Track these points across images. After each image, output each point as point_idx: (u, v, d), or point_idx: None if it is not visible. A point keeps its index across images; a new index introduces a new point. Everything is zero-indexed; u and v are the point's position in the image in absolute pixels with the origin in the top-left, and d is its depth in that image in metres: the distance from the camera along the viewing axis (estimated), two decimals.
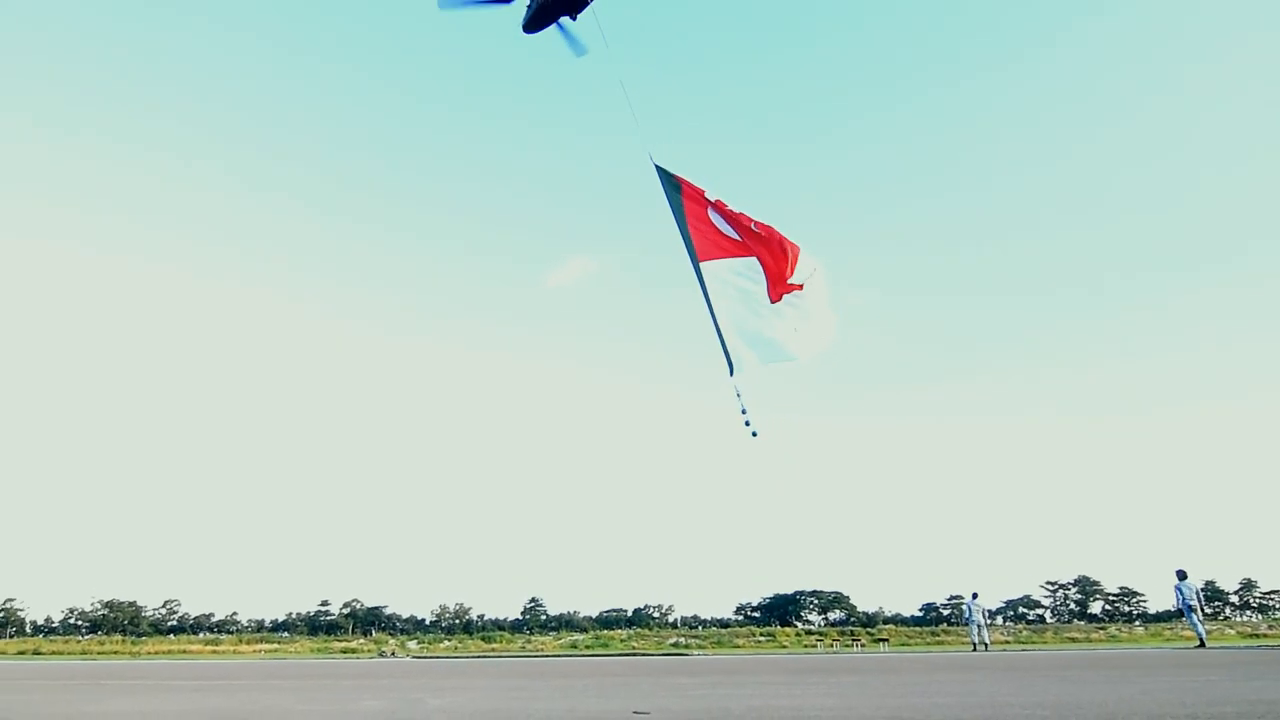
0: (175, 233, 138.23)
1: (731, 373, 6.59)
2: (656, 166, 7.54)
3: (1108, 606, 79.11)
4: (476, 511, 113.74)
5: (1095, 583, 79.66)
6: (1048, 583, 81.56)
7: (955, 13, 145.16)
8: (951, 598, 77.69)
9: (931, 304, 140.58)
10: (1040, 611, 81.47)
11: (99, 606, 78.78)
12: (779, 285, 6.92)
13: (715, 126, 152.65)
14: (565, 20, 11.94)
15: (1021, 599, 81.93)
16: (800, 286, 6.90)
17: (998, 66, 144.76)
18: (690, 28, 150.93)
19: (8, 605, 77.52)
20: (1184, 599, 23.08)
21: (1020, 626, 68.78)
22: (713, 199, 7.31)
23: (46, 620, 78.41)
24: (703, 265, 7.03)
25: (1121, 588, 79.08)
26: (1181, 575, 23.38)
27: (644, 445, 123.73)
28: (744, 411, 6.37)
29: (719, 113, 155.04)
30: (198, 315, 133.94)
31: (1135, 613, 76.96)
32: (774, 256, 6.95)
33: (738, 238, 7.08)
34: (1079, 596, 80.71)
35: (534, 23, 12.50)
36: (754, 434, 6.29)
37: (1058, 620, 76.46)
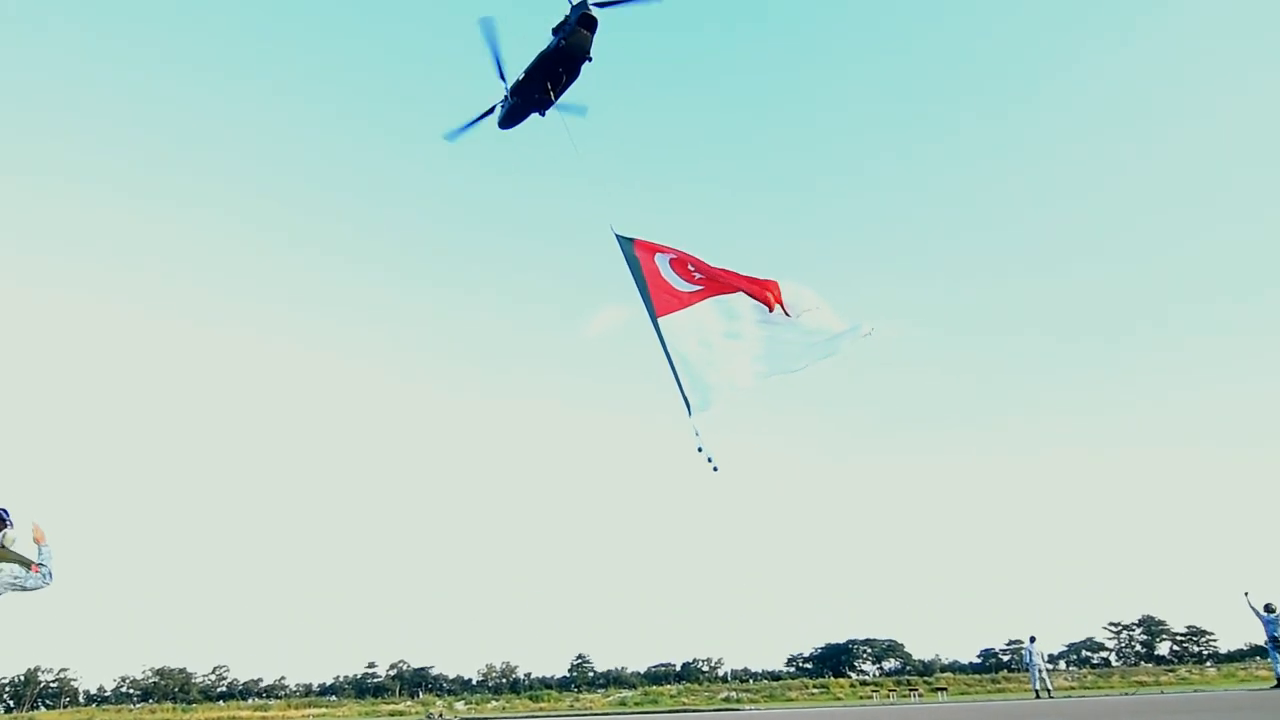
0: (217, 288, 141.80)
1: (690, 413, 7.13)
2: (617, 236, 8.35)
3: (1175, 647, 75.85)
4: (520, 568, 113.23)
5: (1161, 622, 76.48)
6: (1111, 624, 78.59)
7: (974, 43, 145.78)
8: (1010, 642, 75.13)
9: (984, 341, 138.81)
10: (1104, 654, 78.40)
11: (150, 674, 79.22)
12: (770, 300, 7.73)
13: (752, 173, 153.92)
14: (535, 116, 15.00)
15: (1084, 642, 78.97)
16: (780, 302, 7.72)
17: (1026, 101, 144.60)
18: (727, 69, 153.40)
19: (61, 675, 78.23)
20: (1273, 630, 22.59)
21: (1085, 671, 66.22)
22: (671, 253, 8.15)
23: (99, 689, 79.03)
24: (660, 320, 7.69)
25: (1189, 627, 75.78)
26: (1270, 609, 22.71)
27: (687, 493, 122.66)
28: (700, 450, 6.87)
29: (758, 160, 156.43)
30: (247, 374, 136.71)
31: (1205, 653, 73.69)
32: (757, 291, 7.78)
33: (693, 288, 7.90)
34: (1144, 637, 77.55)
35: (508, 120, 15.56)
36: (715, 469, 6.77)
37: (1124, 663, 73.36)
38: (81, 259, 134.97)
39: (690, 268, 8.07)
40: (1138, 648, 77.37)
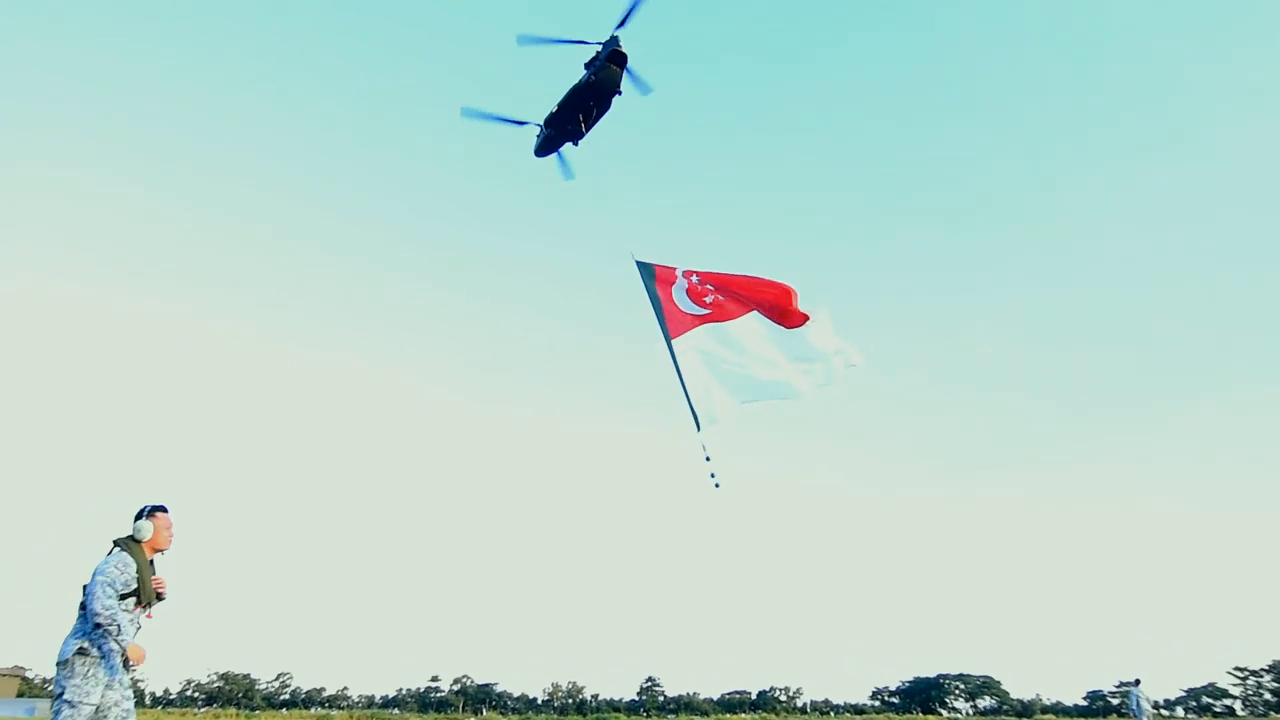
0: (320, 316, 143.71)
1: (698, 429, 7.62)
2: (637, 263, 8.84)
3: None
4: (592, 584, 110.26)
5: None
6: (1236, 669, 71.52)
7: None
8: (1120, 684, 68.81)
9: (1089, 363, 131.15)
10: (1229, 702, 71.35)
11: (215, 678, 78.53)
12: (790, 318, 8.24)
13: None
14: (569, 146, 16.35)
15: (1206, 687, 72.02)
16: (808, 317, 8.16)
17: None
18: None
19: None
20: None
21: (1206, 719, 60.07)
22: (683, 273, 8.70)
23: (164, 692, 78.55)
24: (674, 342, 8.19)
25: None
26: None
27: (768, 516, 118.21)
28: (708, 460, 7.35)
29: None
30: (320, 391, 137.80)
31: None
32: (769, 299, 8.38)
33: (704, 312, 8.46)
34: (1275, 685, 70.24)
35: (543, 149, 16.57)
36: (717, 485, 7.25)
37: (1250, 712, 66.80)
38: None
39: (706, 287, 8.56)
40: (1267, 696, 70.15)
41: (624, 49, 14.37)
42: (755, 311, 8.39)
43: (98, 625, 5.62)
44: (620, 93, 14.86)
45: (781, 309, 8.30)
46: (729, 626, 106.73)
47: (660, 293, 8.65)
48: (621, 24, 14.45)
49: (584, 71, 15.06)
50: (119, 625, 5.63)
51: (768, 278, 8.50)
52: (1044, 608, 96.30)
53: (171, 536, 6.20)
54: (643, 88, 14.99)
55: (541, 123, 16.27)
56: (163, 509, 6.22)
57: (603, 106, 15.20)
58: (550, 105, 16.01)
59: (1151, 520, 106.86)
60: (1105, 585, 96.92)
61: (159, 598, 6.09)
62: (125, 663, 5.81)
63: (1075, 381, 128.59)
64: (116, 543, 5.97)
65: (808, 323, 8.19)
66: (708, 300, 8.53)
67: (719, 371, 8.10)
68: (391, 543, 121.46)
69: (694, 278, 8.65)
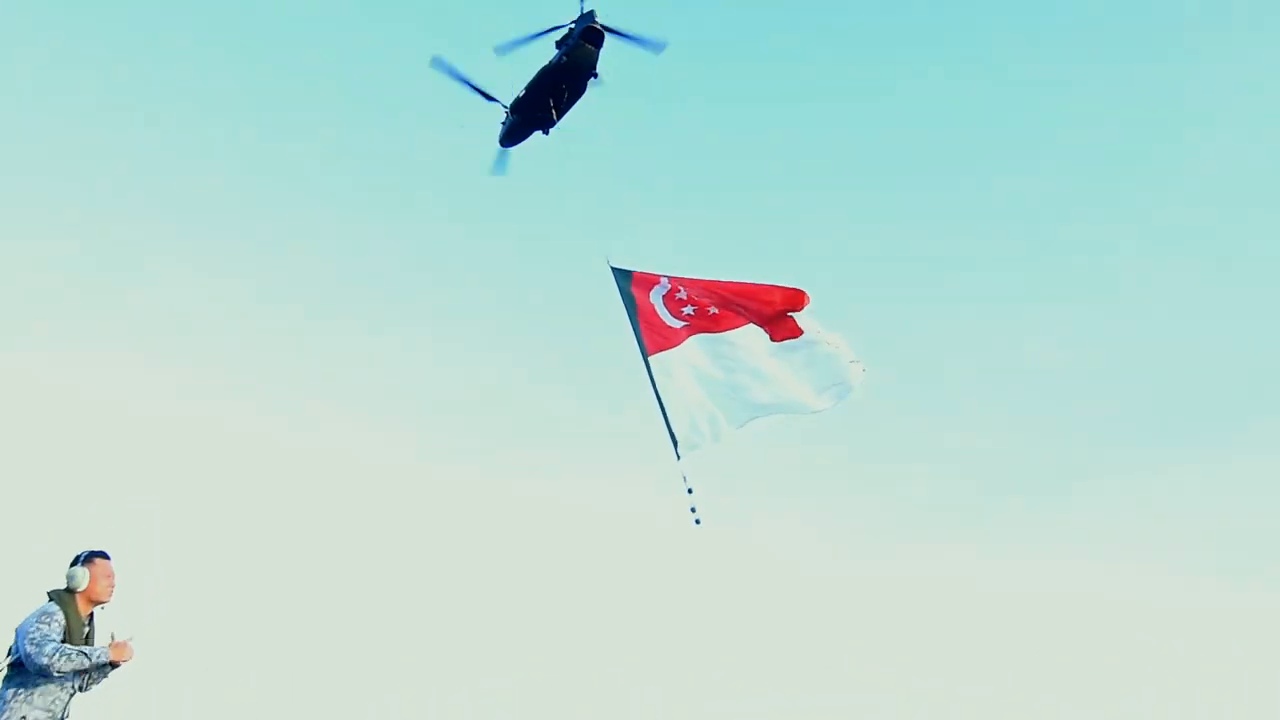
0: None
1: (678, 457, 7.10)
2: (612, 269, 8.22)
3: None
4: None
5: None
6: None
7: None
8: None
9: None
10: None
11: None
12: (792, 324, 7.54)
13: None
14: (539, 135, 14.58)
15: None
16: (801, 332, 7.49)
17: None
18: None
19: None
20: None
21: None
22: (666, 280, 8.07)
23: None
24: (651, 359, 7.60)
25: None
26: None
27: (763, 563, 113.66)
28: (690, 491, 6.80)
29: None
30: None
31: None
32: (769, 306, 7.63)
33: (681, 324, 7.81)
34: None
35: (509, 138, 14.98)
36: (697, 521, 6.70)
37: None
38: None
39: (689, 296, 7.97)
40: None
41: (601, 25, 12.90)
42: (751, 324, 7.71)
43: (50, 673, 4.86)
44: (597, 75, 13.44)
45: (784, 315, 7.66)
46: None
47: (638, 303, 8.05)
48: None
49: (555, 51, 13.54)
50: (75, 650, 4.94)
51: (770, 284, 7.85)
52: None
53: (112, 587, 5.40)
54: (654, 46, 13.23)
55: (507, 107, 14.66)
56: (103, 555, 5.45)
57: (576, 91, 13.72)
58: (519, 87, 14.45)
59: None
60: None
61: (112, 665, 5.22)
62: (110, 668, 5.19)
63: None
64: (51, 594, 5.20)
65: (813, 329, 7.59)
66: (687, 311, 7.90)
67: (705, 391, 7.54)
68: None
69: (680, 291, 8.02)
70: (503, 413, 38.06)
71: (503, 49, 14.34)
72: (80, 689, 5.13)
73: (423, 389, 39.80)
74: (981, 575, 28.07)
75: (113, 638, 5.16)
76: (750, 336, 7.66)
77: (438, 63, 14.78)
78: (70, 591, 5.21)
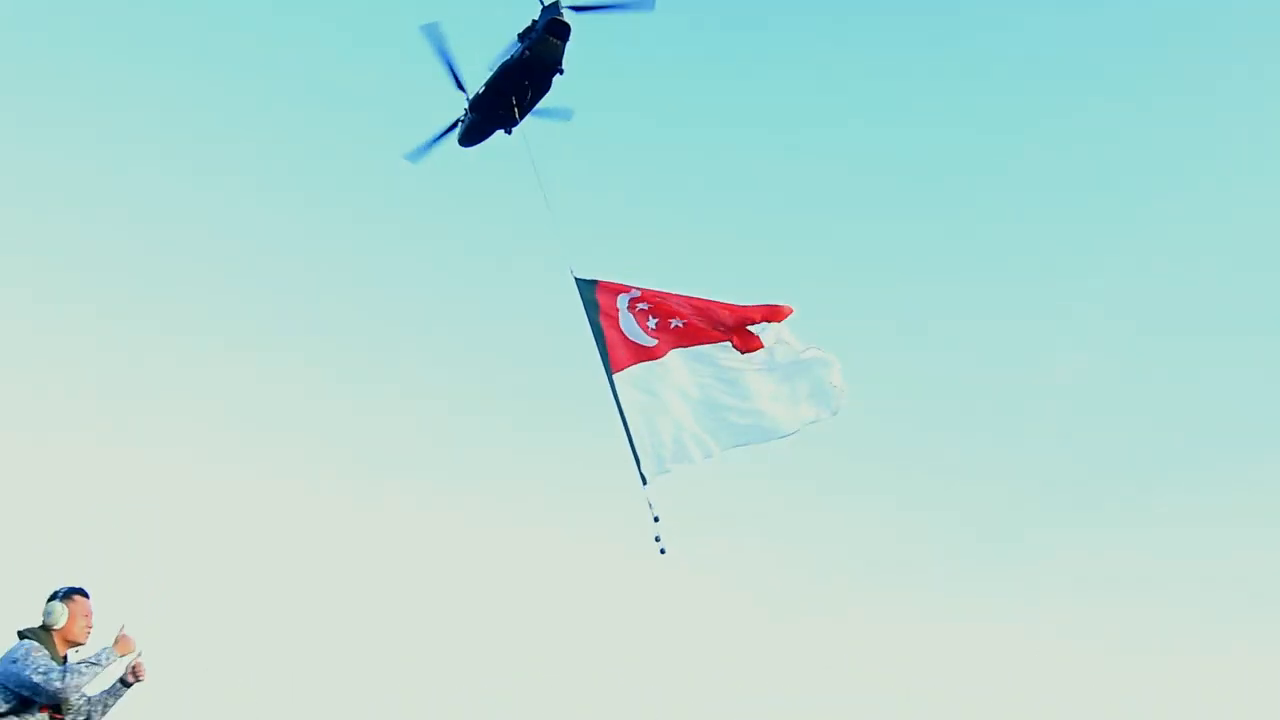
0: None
1: (644, 484, 6.79)
2: (576, 280, 7.86)
3: None
4: None
5: None
6: None
7: None
8: None
9: None
10: None
11: None
12: (753, 339, 7.23)
13: None
14: (501, 134, 13.58)
15: None
16: (761, 345, 7.17)
17: None
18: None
19: None
20: None
21: None
22: (634, 294, 7.70)
23: None
24: (616, 376, 7.28)
25: None
26: None
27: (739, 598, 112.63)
28: (656, 520, 6.54)
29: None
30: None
31: None
32: (734, 322, 7.32)
33: (650, 341, 7.43)
34: None
35: (468, 137, 13.99)
36: (662, 551, 6.47)
37: None
38: None
39: (645, 309, 7.59)
40: None
41: (566, 16, 11.94)
42: (726, 341, 7.30)
43: (58, 697, 4.65)
44: (562, 71, 12.49)
45: (755, 329, 7.31)
46: None
47: (603, 314, 7.64)
48: None
49: (516, 44, 12.57)
50: (83, 664, 4.83)
51: (751, 304, 7.49)
52: None
53: (90, 629, 5.14)
54: (642, 5, 12.25)
55: (466, 105, 13.67)
56: (83, 592, 5.20)
57: (540, 88, 12.76)
58: (479, 83, 13.46)
59: None
60: None
61: (123, 684, 5.22)
62: (122, 686, 5.19)
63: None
64: (22, 634, 4.91)
65: (793, 341, 7.25)
66: (653, 325, 7.50)
67: (676, 411, 7.14)
68: None
69: (648, 302, 7.63)
70: (452, 445, 34.71)
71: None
72: None
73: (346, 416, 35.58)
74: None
75: (122, 629, 5.05)
76: (726, 352, 7.29)
77: (429, 31, 13.40)
78: (46, 629, 4.92)
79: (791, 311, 7.31)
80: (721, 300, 7.62)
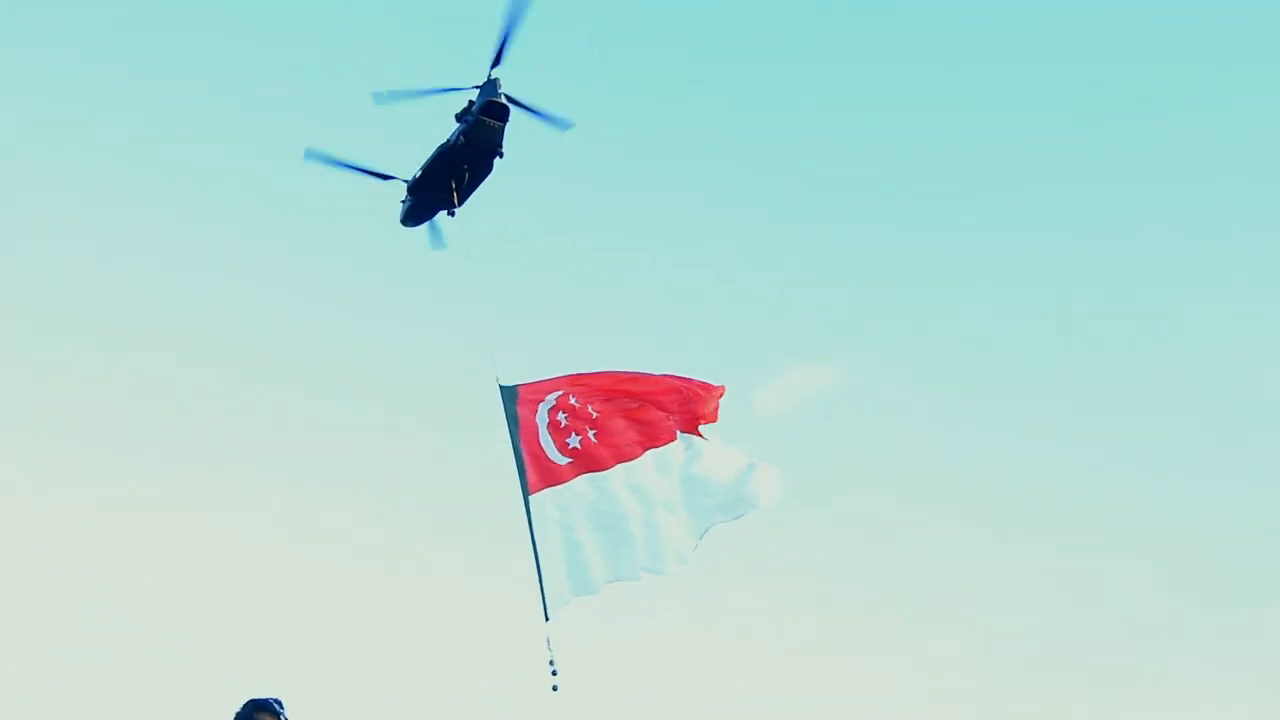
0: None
1: (546, 618, 6.46)
2: (500, 388, 7.44)
3: None
4: None
5: None
6: None
7: None
8: None
9: None
10: None
11: None
12: (689, 423, 7.10)
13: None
14: (444, 215, 12.94)
15: None
16: (699, 433, 7.08)
17: None
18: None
19: None
20: None
21: None
22: (561, 391, 7.35)
23: None
24: (532, 498, 6.92)
25: None
26: None
27: None
28: (551, 662, 6.20)
29: None
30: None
31: None
32: (660, 398, 7.20)
33: (565, 460, 7.09)
34: None
35: (409, 218, 13.51)
36: (555, 688, 6.14)
37: None
38: None
39: (566, 427, 7.17)
40: None
41: (504, 98, 11.52)
42: (648, 451, 7.05)
43: None
44: (502, 154, 11.99)
45: (689, 409, 7.11)
46: None
47: (522, 429, 7.18)
48: (496, 61, 11.41)
49: (455, 125, 12.20)
50: None
51: (685, 377, 7.30)
52: None
53: None
54: (560, 124, 12.19)
55: (407, 186, 13.25)
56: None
57: (479, 171, 12.26)
58: (419, 161, 13.05)
59: None
60: None
61: None
62: None
63: None
64: None
65: (714, 438, 7.06)
66: (571, 444, 7.10)
67: (584, 538, 6.80)
68: None
69: (560, 414, 7.22)
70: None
71: (383, 98, 13.00)
72: None
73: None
74: None
75: None
76: (644, 468, 7.03)
77: (312, 156, 13.36)
78: None
79: (724, 390, 7.18)
80: (657, 374, 7.42)
